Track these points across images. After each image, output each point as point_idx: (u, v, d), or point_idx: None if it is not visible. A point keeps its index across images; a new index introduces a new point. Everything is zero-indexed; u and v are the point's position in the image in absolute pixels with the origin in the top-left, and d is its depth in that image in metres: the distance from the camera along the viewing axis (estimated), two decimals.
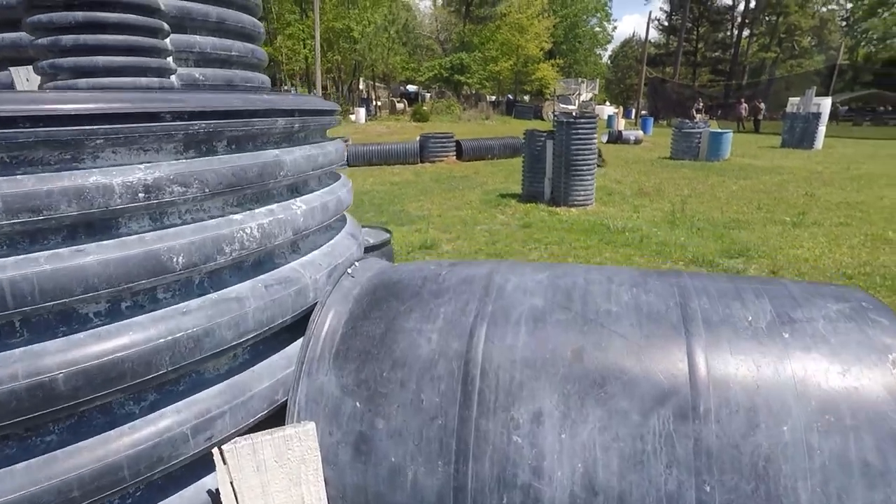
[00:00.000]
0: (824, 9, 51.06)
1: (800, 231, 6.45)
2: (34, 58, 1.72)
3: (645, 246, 5.91)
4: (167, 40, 2.07)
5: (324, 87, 34.00)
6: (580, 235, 6.48)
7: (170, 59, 2.09)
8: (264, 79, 2.67)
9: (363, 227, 3.48)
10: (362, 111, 31.22)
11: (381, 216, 7.94)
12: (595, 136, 7.97)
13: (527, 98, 45.97)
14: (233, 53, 2.41)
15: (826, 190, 9.32)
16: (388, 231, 3.34)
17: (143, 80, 1.82)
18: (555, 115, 8.31)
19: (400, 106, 36.82)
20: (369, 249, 3.05)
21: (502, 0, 44.09)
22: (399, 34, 40.64)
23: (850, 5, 50.79)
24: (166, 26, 1.93)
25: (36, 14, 1.68)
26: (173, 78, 2.15)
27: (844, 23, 54.03)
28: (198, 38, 2.28)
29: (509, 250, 6.00)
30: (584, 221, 7.17)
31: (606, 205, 8.34)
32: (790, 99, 18.52)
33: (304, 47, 34.72)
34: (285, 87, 36.49)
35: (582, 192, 8.12)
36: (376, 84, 43.50)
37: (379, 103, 38.42)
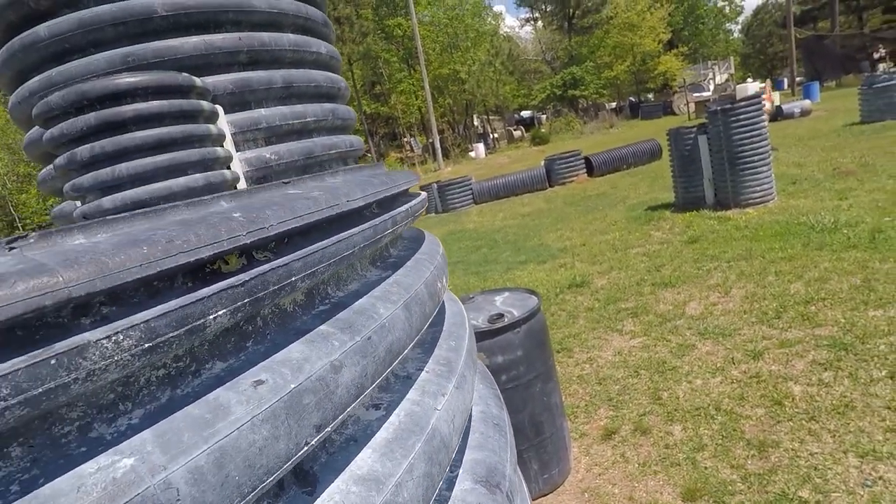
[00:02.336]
0: None
1: None
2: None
3: (883, 245, 4.31)
4: (220, 122, 1.64)
5: (440, 131, 35.11)
6: (773, 242, 5.03)
7: (227, 143, 1.65)
8: (353, 140, 2.17)
9: (503, 290, 2.77)
10: (480, 146, 31.38)
11: (519, 255, 7.22)
12: (764, 118, 6.42)
13: (651, 96, 42.54)
14: (308, 120, 1.95)
15: None
16: (535, 294, 2.58)
17: (182, 181, 1.37)
18: (706, 107, 6.93)
19: (517, 133, 36.46)
20: (513, 325, 2.33)
21: (606, 4, 42.02)
22: (504, 65, 40.79)
23: None
24: (208, 106, 1.49)
25: (50, 128, 1.33)
26: (237, 163, 1.70)
27: None
28: (263, 111, 1.85)
29: (680, 275, 4.83)
30: (772, 223, 5.65)
31: (794, 197, 6.61)
32: None
33: (417, 99, 36.42)
34: (405, 140, 38.46)
35: (758, 188, 6.54)
36: (490, 117, 43.87)
37: (496, 135, 38.52)
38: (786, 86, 30.27)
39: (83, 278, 0.31)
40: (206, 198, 0.41)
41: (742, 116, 6.41)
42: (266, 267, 0.39)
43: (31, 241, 0.34)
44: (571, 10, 45.40)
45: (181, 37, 1.72)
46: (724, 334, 3.53)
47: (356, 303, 0.53)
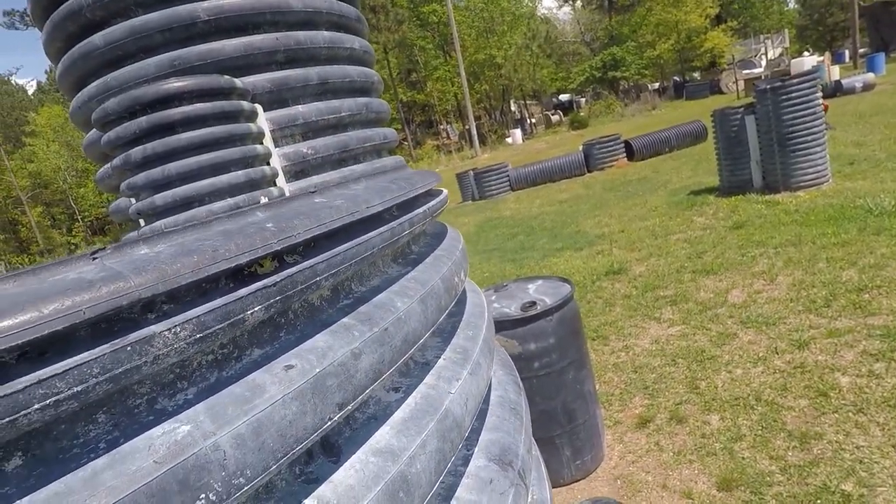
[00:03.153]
0: None
1: None
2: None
3: None
4: (259, 120, 1.72)
5: (476, 117, 34.85)
6: (826, 227, 4.80)
7: (266, 140, 1.73)
8: (387, 133, 2.23)
9: (536, 278, 2.79)
10: (517, 132, 30.99)
11: (556, 242, 7.16)
12: (818, 95, 6.08)
13: (697, 75, 40.72)
14: (343, 115, 2.01)
15: None
16: (568, 282, 2.59)
17: (225, 178, 1.46)
18: (755, 86, 6.60)
19: (555, 118, 35.76)
20: (545, 313, 2.35)
21: None
22: (542, 48, 39.93)
23: None
24: (248, 106, 1.57)
25: (107, 132, 1.44)
26: (276, 159, 1.79)
27: None
28: (300, 108, 1.92)
29: (723, 262, 4.69)
30: (826, 207, 5.37)
31: (852, 178, 6.26)
32: None
33: (453, 86, 36.22)
34: (442, 127, 38.40)
35: (810, 170, 6.22)
36: (528, 102, 43.16)
37: (533, 120, 37.90)
38: (847, 58, 28.36)
39: (149, 283, 0.40)
40: (244, 209, 0.47)
41: (794, 94, 6.08)
42: (294, 269, 0.46)
43: (108, 252, 0.42)
44: None
45: (223, 39, 1.81)
46: (767, 323, 3.42)
47: (376, 297, 0.60)
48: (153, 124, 1.40)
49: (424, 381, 0.68)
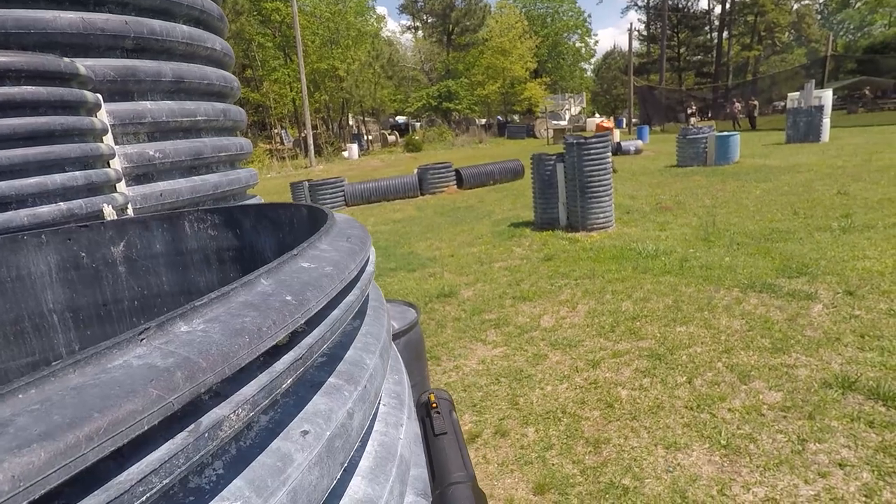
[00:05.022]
0: (797, 4, 51.58)
1: (854, 237, 5.83)
2: None
3: (688, 272, 5.29)
4: (100, 114, 1.49)
5: (314, 126, 33.92)
6: (610, 265, 5.86)
7: (106, 137, 1.51)
8: (243, 143, 2.10)
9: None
10: (354, 147, 31.02)
11: (390, 261, 7.34)
12: (609, 155, 7.44)
13: (517, 118, 46.02)
14: (199, 118, 1.84)
15: (858, 186, 8.73)
16: (413, 307, 2.72)
17: (58, 178, 1.23)
18: (565, 139, 7.79)
19: (392, 138, 36.76)
20: (393, 337, 2.43)
21: (483, 26, 44.56)
22: (384, 68, 40.89)
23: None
24: (92, 97, 1.36)
25: None
26: (116, 161, 1.57)
27: (819, 16, 54.68)
28: (148, 104, 1.71)
29: (536, 290, 5.38)
30: (610, 247, 6.56)
31: (628, 225, 7.75)
32: (789, 94, 18.13)
33: (291, 90, 34.80)
34: (276, 131, 36.46)
35: (601, 215, 7.55)
36: (366, 119, 43.57)
37: (370, 137, 38.36)
38: (624, 125, 35.03)
39: (217, 366, 0.37)
40: (251, 277, 0.45)
41: (592, 151, 7.35)
42: (311, 339, 0.46)
43: (152, 332, 0.37)
44: (451, 26, 47.25)
45: (54, 9, 1.53)
46: (570, 345, 4.04)
47: (347, 355, 0.61)
48: None
49: (375, 428, 0.70)
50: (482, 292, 5.55)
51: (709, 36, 55.08)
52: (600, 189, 7.45)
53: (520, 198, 11.26)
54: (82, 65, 1.53)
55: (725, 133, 13.70)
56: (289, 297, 0.46)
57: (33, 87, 1.23)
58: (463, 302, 5.33)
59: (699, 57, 55.60)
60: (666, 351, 3.73)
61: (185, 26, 1.87)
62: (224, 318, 0.41)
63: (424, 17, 51.68)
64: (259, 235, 1.04)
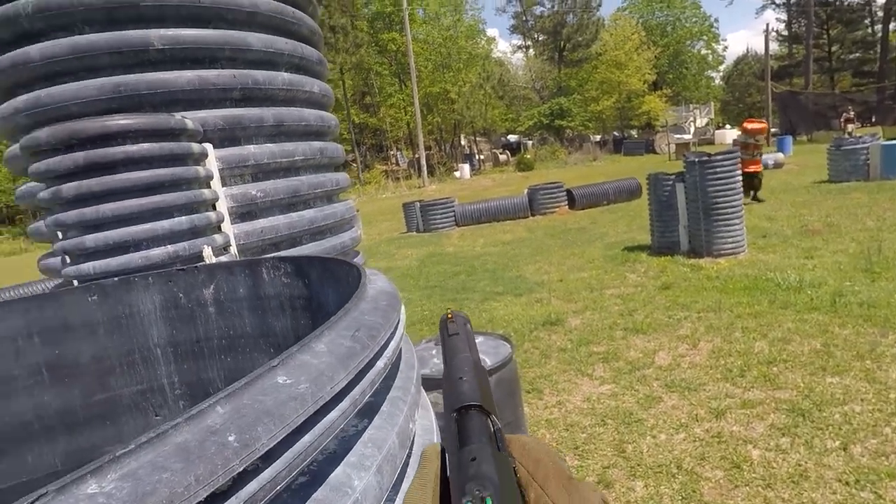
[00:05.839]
0: None
1: None
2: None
3: (843, 309, 4.48)
4: (208, 161, 1.62)
5: (427, 147, 35.37)
6: (741, 297, 5.19)
7: (214, 181, 1.63)
8: (339, 178, 2.18)
9: (478, 334, 2.78)
10: (466, 167, 31.73)
11: (497, 285, 7.26)
12: (738, 173, 6.67)
13: (634, 133, 43.78)
14: (296, 158, 1.94)
15: None
16: (508, 341, 2.60)
17: (166, 224, 1.35)
18: (685, 156, 7.17)
19: (503, 157, 36.99)
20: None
21: (596, 40, 43.37)
22: (495, 89, 41.50)
23: None
24: (198, 147, 1.48)
25: (35, 162, 1.30)
26: (223, 200, 1.69)
27: None
28: (252, 148, 1.84)
29: (651, 322, 4.92)
30: (742, 277, 5.82)
31: (764, 251, 6.85)
32: None
33: (406, 114, 36.72)
34: (392, 153, 38.60)
35: (730, 240, 6.76)
36: (477, 138, 44.41)
37: (482, 156, 38.98)
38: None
39: None
40: (205, 405, 0.40)
41: (718, 169, 6.64)
42: (254, 486, 0.39)
43: (50, 497, 0.33)
44: (563, 43, 46.68)
45: (176, 70, 1.71)
46: (689, 388, 3.60)
47: (332, 475, 0.52)
48: (91, 162, 1.28)
49: None
50: (591, 321, 5.23)
51: (870, 30, 47.86)
52: (728, 211, 6.69)
53: (636, 219, 10.57)
54: (197, 116, 1.69)
55: (895, 141, 11.65)
56: (231, 438, 0.39)
57: (148, 144, 1.36)
58: (570, 331, 5.06)
59: (857, 55, 48.42)
60: (812, 406, 3.15)
61: (286, 74, 2.00)
62: (143, 472, 0.35)
63: (535, 36, 51.68)
64: (323, 287, 1.02)
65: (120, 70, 1.69)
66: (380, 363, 0.58)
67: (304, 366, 0.48)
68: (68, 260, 1.34)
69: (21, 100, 1.70)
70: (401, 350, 0.78)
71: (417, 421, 0.70)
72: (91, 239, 1.30)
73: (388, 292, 0.75)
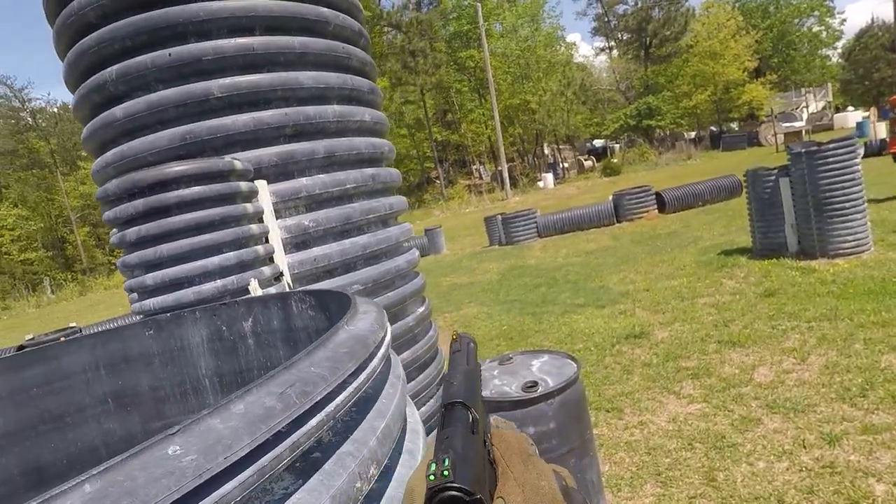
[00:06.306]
0: None
1: None
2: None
3: None
4: (261, 196, 1.74)
5: (509, 159, 35.27)
6: (864, 303, 4.53)
7: (265, 216, 1.75)
8: (393, 202, 2.23)
9: (543, 352, 2.69)
10: (549, 176, 31.16)
11: (578, 296, 7.00)
12: (858, 162, 5.88)
13: (735, 126, 40.36)
14: (348, 187, 2.02)
15: None
16: (574, 361, 2.48)
17: (216, 260, 1.46)
18: (789, 148, 6.45)
19: (588, 164, 35.86)
20: (545, 396, 2.24)
21: (686, 32, 40.81)
22: (577, 94, 40.46)
23: None
24: (246, 186, 1.60)
25: (106, 211, 1.48)
26: (276, 231, 1.80)
27: None
28: (304, 181, 1.95)
29: (750, 334, 4.45)
30: (865, 279, 5.09)
31: (895, 249, 5.95)
32: None
33: (487, 128, 36.94)
34: (474, 167, 38.94)
35: (849, 237, 5.95)
36: (560, 146, 43.49)
37: (566, 164, 38.06)
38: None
39: None
40: (71, 484, 0.39)
41: (830, 159, 5.90)
42: None
43: None
44: (648, 39, 44.49)
45: (233, 114, 1.87)
46: (796, 409, 3.19)
47: None
48: (149, 207, 1.43)
49: None
50: (680, 334, 4.84)
51: None
52: (847, 205, 5.90)
53: (735, 219, 9.69)
54: (252, 155, 1.82)
55: None
56: None
57: (199, 187, 1.49)
58: (655, 345, 4.72)
59: None
60: None
61: (336, 106, 2.09)
62: None
63: (619, 36, 49.79)
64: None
65: (186, 120, 1.88)
66: (312, 421, 0.55)
67: (205, 432, 0.46)
68: (136, 297, 1.51)
69: (109, 154, 1.96)
70: (364, 398, 0.73)
71: (374, 477, 0.64)
72: (150, 277, 1.46)
73: (359, 336, 0.72)
